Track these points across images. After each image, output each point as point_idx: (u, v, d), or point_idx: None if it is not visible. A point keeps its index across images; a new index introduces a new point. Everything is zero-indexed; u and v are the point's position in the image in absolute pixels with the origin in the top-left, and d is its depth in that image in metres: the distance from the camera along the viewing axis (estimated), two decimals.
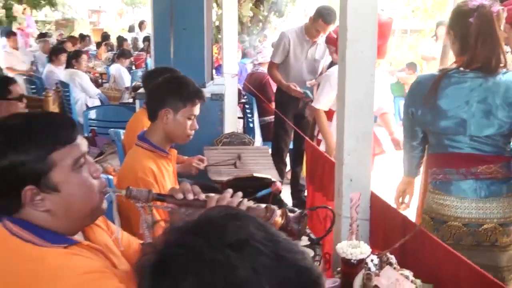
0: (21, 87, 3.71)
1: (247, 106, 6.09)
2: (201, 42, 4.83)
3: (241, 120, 6.18)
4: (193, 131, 2.60)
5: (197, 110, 2.60)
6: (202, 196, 1.59)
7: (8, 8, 13.36)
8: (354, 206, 2.17)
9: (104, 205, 1.54)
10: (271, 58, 5.35)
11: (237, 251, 0.83)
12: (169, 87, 2.62)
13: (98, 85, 8.06)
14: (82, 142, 1.46)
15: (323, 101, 4.03)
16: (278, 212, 1.61)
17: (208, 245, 0.85)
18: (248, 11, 10.54)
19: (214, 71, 5.96)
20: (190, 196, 1.58)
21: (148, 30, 12.32)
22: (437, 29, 8.22)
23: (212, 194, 1.61)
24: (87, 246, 1.49)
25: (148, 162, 2.48)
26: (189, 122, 2.54)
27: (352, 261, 1.89)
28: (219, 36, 7.23)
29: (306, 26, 4.95)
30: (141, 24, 14.33)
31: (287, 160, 5.51)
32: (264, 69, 6.26)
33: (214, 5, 7.82)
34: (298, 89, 4.86)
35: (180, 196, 1.59)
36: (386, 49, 4.42)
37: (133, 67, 8.98)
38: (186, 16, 4.73)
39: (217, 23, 7.82)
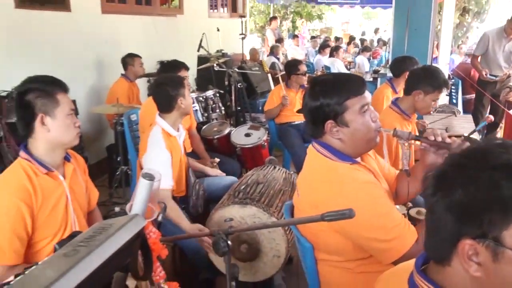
0: (303, 67, 4.28)
1: (453, 87, 6.21)
2: (427, 40, 4.92)
3: (447, 97, 6.29)
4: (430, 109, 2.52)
5: (441, 95, 2.51)
6: (448, 139, 1.48)
7: (293, 21, 15.21)
8: None
9: (377, 139, 1.52)
10: (473, 52, 5.47)
11: (501, 172, 0.73)
12: (425, 74, 2.48)
13: (347, 70, 8.91)
14: (367, 95, 1.49)
15: None
16: None
17: (474, 166, 0.76)
18: (456, 18, 10.40)
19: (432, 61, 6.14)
20: (439, 138, 1.48)
21: (381, 33, 13.82)
22: None
23: (454, 138, 1.51)
24: (364, 166, 1.52)
25: (394, 121, 2.44)
26: (432, 103, 2.47)
27: None
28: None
29: (505, 26, 5.01)
30: (376, 30, 15.25)
31: None
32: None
33: None
34: (488, 76, 5.00)
35: (432, 138, 1.49)
36: None
37: (371, 58, 9.61)
38: (418, 19, 4.84)
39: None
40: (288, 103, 4.17)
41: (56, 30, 3.98)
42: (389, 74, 4.18)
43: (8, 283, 0.77)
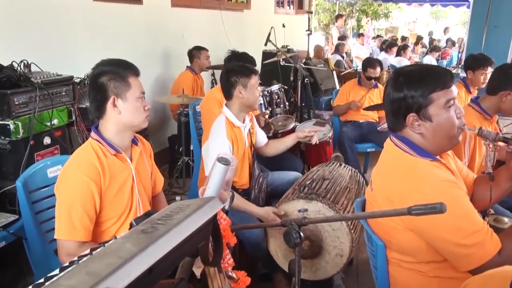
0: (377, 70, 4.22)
1: None
2: (508, 38, 4.57)
3: None
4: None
5: None
6: None
7: (358, 20, 14.89)
8: None
9: (460, 137, 1.45)
10: None
11: None
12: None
13: None
14: (454, 89, 1.40)
15: None
16: None
17: None
18: None
19: None
20: None
21: (450, 33, 13.15)
22: None
23: None
24: (444, 164, 1.44)
25: (474, 120, 2.31)
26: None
27: None
28: None
29: None
30: (445, 30, 14.56)
31: None
32: None
33: None
34: None
35: None
36: None
37: (440, 59, 9.18)
38: (499, 15, 4.55)
39: None
40: (357, 107, 4.10)
41: (129, 22, 4.13)
42: (462, 74, 4.03)
43: (96, 248, 0.77)
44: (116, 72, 1.65)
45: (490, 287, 0.89)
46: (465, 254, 1.27)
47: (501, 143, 1.56)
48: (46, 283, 0.70)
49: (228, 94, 2.48)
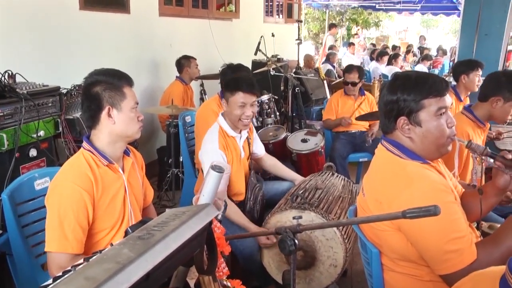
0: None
1: None
2: (499, 46, 4.70)
3: None
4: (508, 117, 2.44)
5: None
6: None
7: (348, 29, 15.11)
8: None
9: (450, 147, 1.47)
10: None
11: None
12: (507, 79, 2.37)
13: None
14: (447, 99, 1.44)
15: None
16: None
17: None
18: None
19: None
20: None
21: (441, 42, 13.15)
22: None
23: None
24: (435, 167, 1.49)
25: (467, 128, 2.41)
26: (510, 111, 2.40)
27: None
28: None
29: None
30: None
31: None
32: None
33: None
34: None
35: (509, 156, 1.43)
36: None
37: (431, 67, 9.36)
38: (490, 24, 4.66)
39: None
40: (348, 124, 4.14)
41: (116, 31, 4.16)
42: (454, 83, 4.08)
43: (89, 258, 0.79)
44: (111, 82, 1.67)
45: (482, 285, 0.93)
46: (443, 258, 1.31)
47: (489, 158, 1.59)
48: None
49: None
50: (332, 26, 10.76)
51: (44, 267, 1.90)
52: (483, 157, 1.57)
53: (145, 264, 0.73)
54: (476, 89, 3.39)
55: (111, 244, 0.84)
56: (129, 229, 0.92)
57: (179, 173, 3.94)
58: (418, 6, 12.51)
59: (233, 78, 2.55)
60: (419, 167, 1.42)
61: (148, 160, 4.60)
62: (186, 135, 3.45)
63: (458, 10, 11.50)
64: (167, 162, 4.05)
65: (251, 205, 2.48)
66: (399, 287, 1.51)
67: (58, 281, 0.72)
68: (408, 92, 1.42)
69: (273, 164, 2.89)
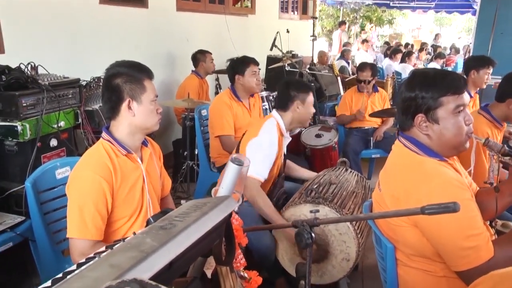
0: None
1: None
2: None
3: None
4: None
5: None
6: None
7: (362, 26, 14.94)
8: None
9: (467, 145, 1.45)
10: None
11: None
12: None
13: None
14: (465, 97, 1.42)
15: None
16: None
17: None
18: None
19: None
20: None
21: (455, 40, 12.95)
22: None
23: None
24: (452, 165, 1.48)
25: (485, 128, 2.40)
26: None
27: None
28: None
29: None
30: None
31: None
32: None
33: None
34: None
35: None
36: None
37: (444, 65, 9.22)
38: (506, 22, 4.58)
39: None
40: (362, 117, 4.11)
41: (134, 25, 4.18)
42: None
43: (111, 246, 0.79)
44: (131, 74, 1.68)
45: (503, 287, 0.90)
46: (460, 255, 1.30)
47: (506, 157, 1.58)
48: (68, 276, 0.72)
49: (284, 105, 2.51)
50: (342, 23, 10.69)
51: (64, 253, 1.94)
52: (500, 156, 1.55)
53: (168, 254, 0.73)
54: (484, 86, 3.36)
55: (134, 233, 0.84)
56: (151, 219, 0.92)
57: (194, 165, 3.95)
58: (433, 4, 12.32)
59: (302, 81, 2.68)
60: (437, 164, 1.41)
61: (164, 152, 4.59)
62: (202, 128, 3.46)
63: (473, 8, 11.31)
64: (183, 155, 4.06)
65: (273, 203, 2.42)
66: (412, 282, 1.50)
67: (83, 267, 0.73)
68: (426, 89, 1.40)
69: (288, 166, 2.87)
